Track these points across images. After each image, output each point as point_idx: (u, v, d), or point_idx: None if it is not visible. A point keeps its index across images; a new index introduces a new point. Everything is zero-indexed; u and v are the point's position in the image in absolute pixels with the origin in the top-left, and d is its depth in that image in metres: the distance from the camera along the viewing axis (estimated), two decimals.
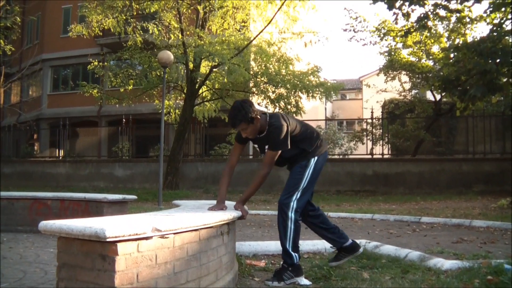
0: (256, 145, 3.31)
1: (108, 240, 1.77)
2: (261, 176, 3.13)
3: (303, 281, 3.14)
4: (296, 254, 3.16)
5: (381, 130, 16.32)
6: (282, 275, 3.12)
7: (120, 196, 5.86)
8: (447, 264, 3.46)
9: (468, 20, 11.82)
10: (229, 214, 2.78)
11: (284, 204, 3.14)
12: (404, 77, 17.32)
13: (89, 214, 5.36)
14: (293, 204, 3.12)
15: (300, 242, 4.30)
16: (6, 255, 4.14)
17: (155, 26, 14.02)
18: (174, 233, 2.14)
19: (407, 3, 9.39)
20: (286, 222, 3.13)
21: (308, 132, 3.29)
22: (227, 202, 3.15)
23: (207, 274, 2.48)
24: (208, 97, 15.65)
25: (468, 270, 3.21)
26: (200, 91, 14.99)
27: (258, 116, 3.06)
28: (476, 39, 10.51)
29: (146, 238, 1.96)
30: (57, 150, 20.16)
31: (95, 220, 2.06)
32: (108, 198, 5.57)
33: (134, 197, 6.16)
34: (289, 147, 3.11)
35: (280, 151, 3.11)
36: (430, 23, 11.15)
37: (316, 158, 3.24)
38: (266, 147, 3.16)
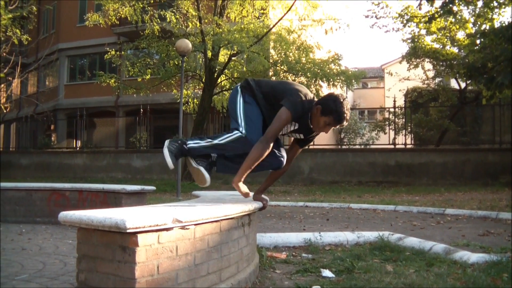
0: (296, 134, 3.02)
1: (128, 231, 1.74)
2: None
3: (326, 272, 3.07)
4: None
5: (403, 120, 16.00)
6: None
7: (139, 187, 5.80)
8: (473, 257, 3.35)
9: (495, 4, 11.41)
10: (250, 205, 2.72)
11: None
12: (428, 65, 16.91)
13: (107, 205, 5.33)
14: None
15: (322, 233, 4.26)
16: (25, 246, 4.17)
17: (172, 14, 13.96)
18: (195, 224, 2.10)
19: None
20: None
21: None
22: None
23: (228, 266, 2.44)
24: (227, 86, 15.59)
25: (496, 264, 3.10)
26: (219, 80, 14.94)
27: None
28: (504, 24, 10.13)
29: (167, 229, 1.93)
30: (74, 141, 20.31)
31: (115, 211, 2.02)
32: (127, 189, 5.51)
33: (153, 188, 6.12)
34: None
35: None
36: (455, 8, 10.81)
37: None
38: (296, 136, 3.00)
